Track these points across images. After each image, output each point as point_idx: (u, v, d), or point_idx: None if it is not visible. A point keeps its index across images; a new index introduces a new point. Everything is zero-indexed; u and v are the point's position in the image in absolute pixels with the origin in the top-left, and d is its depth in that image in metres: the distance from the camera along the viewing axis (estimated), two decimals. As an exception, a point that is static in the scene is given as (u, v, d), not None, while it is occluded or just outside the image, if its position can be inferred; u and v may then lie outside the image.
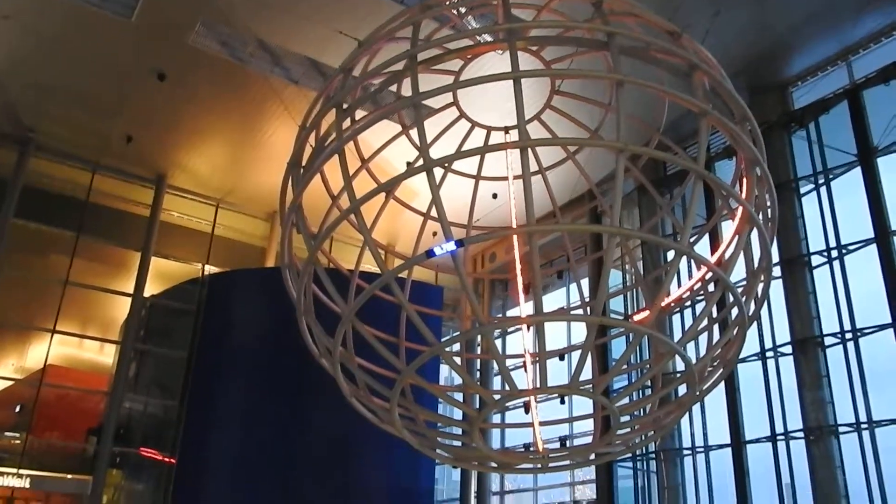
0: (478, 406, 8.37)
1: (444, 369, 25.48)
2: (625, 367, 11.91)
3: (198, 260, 27.92)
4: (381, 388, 7.43)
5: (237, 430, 22.32)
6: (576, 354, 7.13)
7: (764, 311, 19.45)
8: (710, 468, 21.80)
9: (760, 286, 7.14)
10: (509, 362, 8.95)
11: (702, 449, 22.12)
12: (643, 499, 23.55)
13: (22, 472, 23.03)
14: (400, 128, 8.92)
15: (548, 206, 10.11)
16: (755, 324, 7.53)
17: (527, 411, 7.51)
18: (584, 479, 26.52)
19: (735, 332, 7.14)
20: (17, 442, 24.06)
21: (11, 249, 24.08)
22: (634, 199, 24.19)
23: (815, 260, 20.13)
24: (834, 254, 19.76)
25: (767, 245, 6.75)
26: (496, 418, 24.04)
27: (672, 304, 9.07)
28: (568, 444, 19.94)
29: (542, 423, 7.57)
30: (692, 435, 22.44)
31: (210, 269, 27.66)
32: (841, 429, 18.64)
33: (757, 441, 20.39)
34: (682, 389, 7.70)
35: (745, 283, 7.09)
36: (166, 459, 23.83)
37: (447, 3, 7.91)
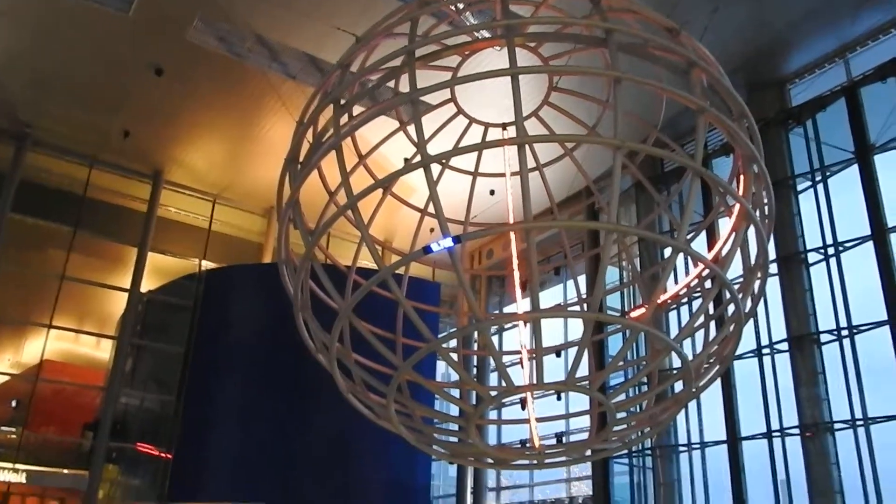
0: (474, 402, 8.36)
1: (441, 365, 25.49)
2: (621, 363, 11.94)
3: (195, 255, 27.91)
4: (378, 385, 7.44)
5: (234, 425, 22.33)
6: (572, 351, 7.14)
7: (760, 308, 19.50)
8: (706, 465, 21.85)
9: (757, 283, 7.15)
10: (506, 359, 8.96)
11: (698, 445, 22.17)
12: (639, 495, 23.60)
13: (18, 466, 23.03)
14: (397, 124, 8.92)
15: (545, 203, 10.11)
16: (751, 321, 7.54)
17: (523, 407, 7.51)
18: (580, 475, 26.57)
19: (731, 328, 7.16)
20: (14, 437, 24.06)
21: (8, 244, 24.04)
22: (632, 195, 24.20)
23: (812, 257, 20.16)
24: (830, 251, 19.78)
25: (764, 242, 6.76)
26: (493, 414, 24.05)
27: (669, 301, 9.08)
28: (564, 441, 19.98)
29: (538, 420, 7.59)
30: (688, 431, 22.48)
31: (207, 264, 27.64)
32: (836, 425, 18.70)
33: (753, 438, 20.43)
34: (679, 386, 7.72)
35: (741, 280, 7.10)
36: (163, 455, 23.84)
37: (445, -2, 7.90)
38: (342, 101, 6.86)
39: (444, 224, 5.78)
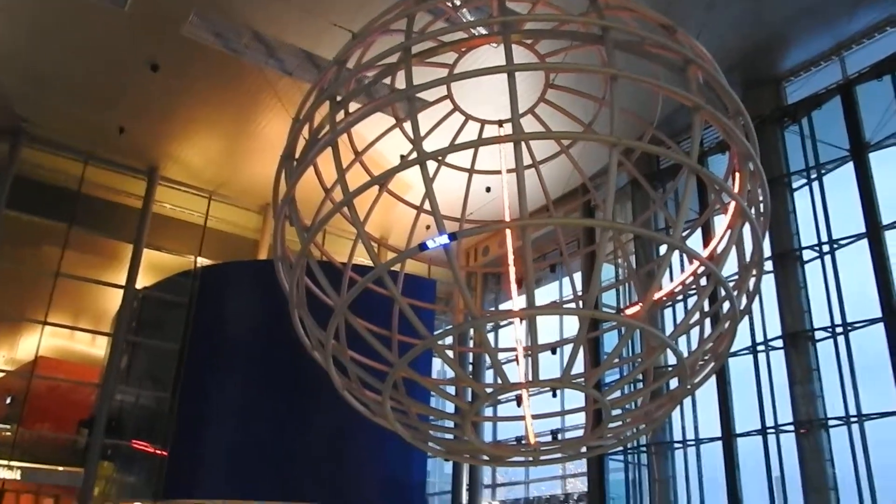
0: (470, 399, 8.38)
1: (437, 362, 25.50)
2: (617, 360, 11.96)
3: (190, 252, 27.86)
4: (374, 381, 7.44)
5: (229, 422, 22.31)
6: (568, 348, 7.15)
7: (755, 305, 19.57)
8: (701, 461, 21.92)
9: (752, 280, 7.17)
10: (502, 356, 8.98)
11: (693, 442, 22.23)
12: (634, 492, 23.67)
13: (13, 464, 22.99)
14: (394, 120, 8.91)
15: (541, 200, 10.12)
16: (746, 318, 7.57)
17: (519, 404, 7.52)
18: (575, 472, 26.62)
19: (727, 325, 7.17)
20: (8, 434, 24.00)
21: (3, 240, 23.99)
22: (628, 192, 24.23)
23: (807, 254, 20.22)
24: (825, 248, 19.85)
25: (759, 239, 6.77)
26: (488, 411, 24.06)
27: (664, 298, 9.09)
28: (560, 438, 20.01)
29: (533, 417, 7.59)
30: (683, 428, 22.55)
31: (202, 261, 27.58)
32: (831, 422, 18.77)
33: (748, 434, 20.50)
34: (674, 383, 7.73)
35: (737, 277, 7.11)
36: (158, 451, 23.83)
37: (441, -5, 7.89)
38: (338, 98, 6.85)
39: (440, 221, 5.78)
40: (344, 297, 6.76)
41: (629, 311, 10.04)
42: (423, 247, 6.16)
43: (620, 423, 8.17)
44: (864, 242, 18.87)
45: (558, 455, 8.48)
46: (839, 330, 19.09)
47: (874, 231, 18.70)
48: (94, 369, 27.16)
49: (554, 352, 9.57)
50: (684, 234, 8.23)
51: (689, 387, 7.41)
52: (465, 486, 30.00)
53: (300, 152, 7.14)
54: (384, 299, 7.67)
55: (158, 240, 27.17)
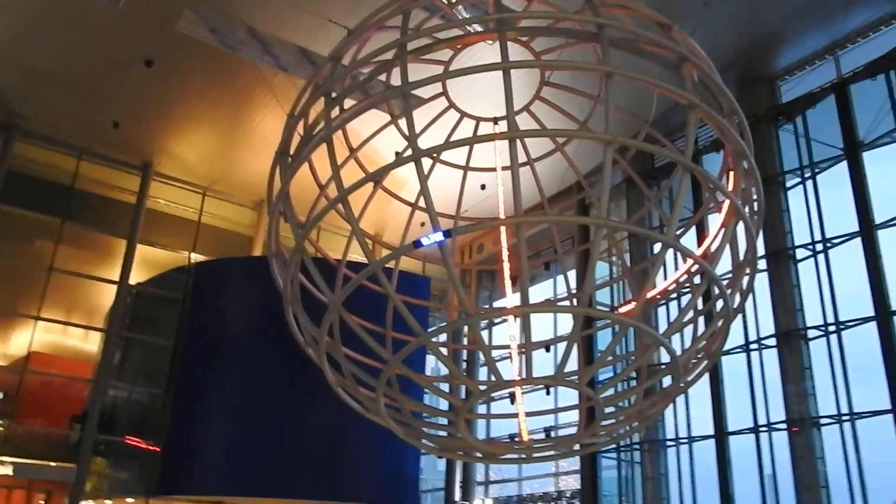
0: (464, 396, 8.39)
1: (431, 360, 25.51)
2: (610, 358, 11.97)
3: (184, 248, 27.79)
4: (368, 378, 7.44)
5: (223, 418, 22.26)
6: (562, 345, 7.16)
7: (748, 304, 19.60)
8: (694, 459, 21.98)
9: (746, 279, 7.19)
10: (495, 353, 8.98)
11: (685, 440, 22.29)
12: (627, 489, 23.73)
13: (5, 459, 22.91)
14: (389, 117, 8.90)
15: (536, 198, 10.12)
16: (739, 316, 7.59)
17: (512, 402, 7.54)
18: (568, 469, 26.67)
19: (720, 324, 7.19)
20: (1, 429, 23.92)
21: (-4, 235, 23.93)
22: (622, 191, 24.25)
23: (800, 253, 20.27)
24: (819, 247, 19.90)
25: (753, 238, 6.79)
26: (482, 409, 24.13)
27: (658, 296, 9.11)
28: (553, 435, 20.04)
29: (527, 414, 7.60)
30: (676, 426, 22.60)
31: (196, 257, 27.53)
32: (823, 420, 18.84)
33: (740, 432, 20.56)
34: (667, 381, 7.75)
35: (730, 275, 7.13)
36: (151, 448, 23.77)
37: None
38: (333, 94, 6.84)
39: (435, 218, 5.78)
40: (338, 294, 6.76)
41: (623, 309, 10.06)
42: (417, 244, 6.16)
43: (613, 420, 8.19)
44: (858, 241, 18.92)
45: (551, 452, 8.50)
46: (832, 329, 19.15)
47: (867, 230, 18.75)
48: (87, 365, 27.08)
49: (548, 349, 9.58)
50: (678, 232, 8.25)
51: (682, 385, 7.43)
52: (458, 483, 30.04)
53: (295, 148, 7.13)
54: (379, 296, 7.66)
55: (152, 235, 27.09)
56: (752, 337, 20.79)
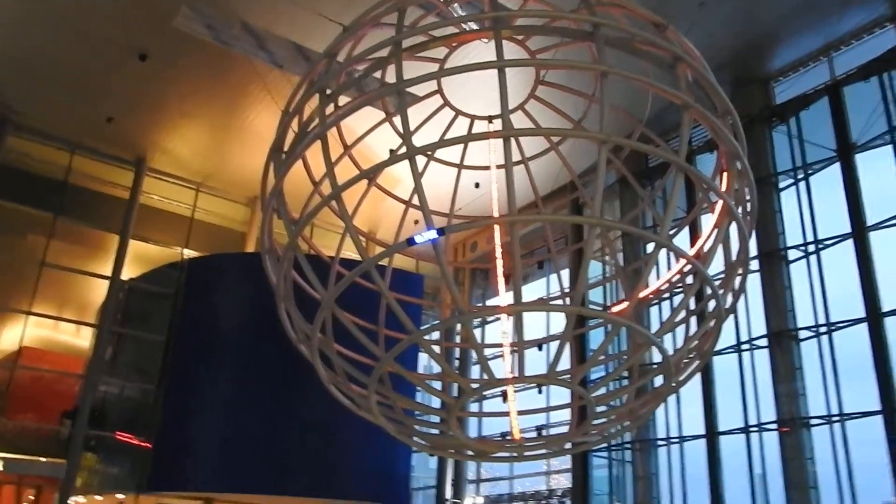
0: (456, 394, 8.40)
1: (423, 357, 25.52)
2: (602, 357, 11.99)
3: (177, 244, 27.72)
4: (360, 375, 7.43)
5: (215, 415, 22.21)
6: (554, 344, 7.17)
7: (740, 304, 19.65)
8: (685, 459, 22.06)
9: (738, 279, 7.21)
10: (488, 351, 8.98)
11: (676, 439, 22.37)
12: (618, 488, 23.80)
13: (-5, 454, 22.86)
14: (383, 115, 8.89)
15: (530, 196, 10.13)
16: (731, 316, 7.61)
17: (504, 400, 7.54)
18: (559, 468, 26.74)
19: (712, 324, 7.21)
20: (-9, 424, 23.86)
21: (-13, 229, 23.81)
22: (616, 190, 24.30)
23: (793, 254, 20.35)
24: (811, 248, 19.99)
25: (746, 238, 6.81)
26: (474, 407, 24.14)
27: (650, 296, 9.13)
28: (544, 434, 20.07)
29: (519, 413, 7.61)
30: (667, 425, 22.69)
31: (189, 253, 27.46)
32: (813, 421, 18.92)
33: (730, 432, 20.64)
34: (659, 380, 7.77)
35: (723, 276, 7.15)
36: (142, 443, 23.71)
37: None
38: (328, 91, 6.83)
39: (429, 216, 5.78)
40: (331, 291, 6.75)
41: (616, 309, 10.07)
42: (411, 241, 6.15)
43: (605, 419, 8.20)
44: (850, 243, 19.00)
45: (543, 451, 8.50)
46: (823, 330, 19.24)
47: (859, 231, 18.84)
48: (78, 360, 26.99)
49: (540, 348, 9.59)
50: (671, 232, 8.26)
51: (673, 384, 7.45)
52: (449, 481, 30.07)
53: (289, 145, 7.12)
54: (372, 294, 7.66)
55: (145, 231, 27.01)
56: (744, 337, 20.89)
